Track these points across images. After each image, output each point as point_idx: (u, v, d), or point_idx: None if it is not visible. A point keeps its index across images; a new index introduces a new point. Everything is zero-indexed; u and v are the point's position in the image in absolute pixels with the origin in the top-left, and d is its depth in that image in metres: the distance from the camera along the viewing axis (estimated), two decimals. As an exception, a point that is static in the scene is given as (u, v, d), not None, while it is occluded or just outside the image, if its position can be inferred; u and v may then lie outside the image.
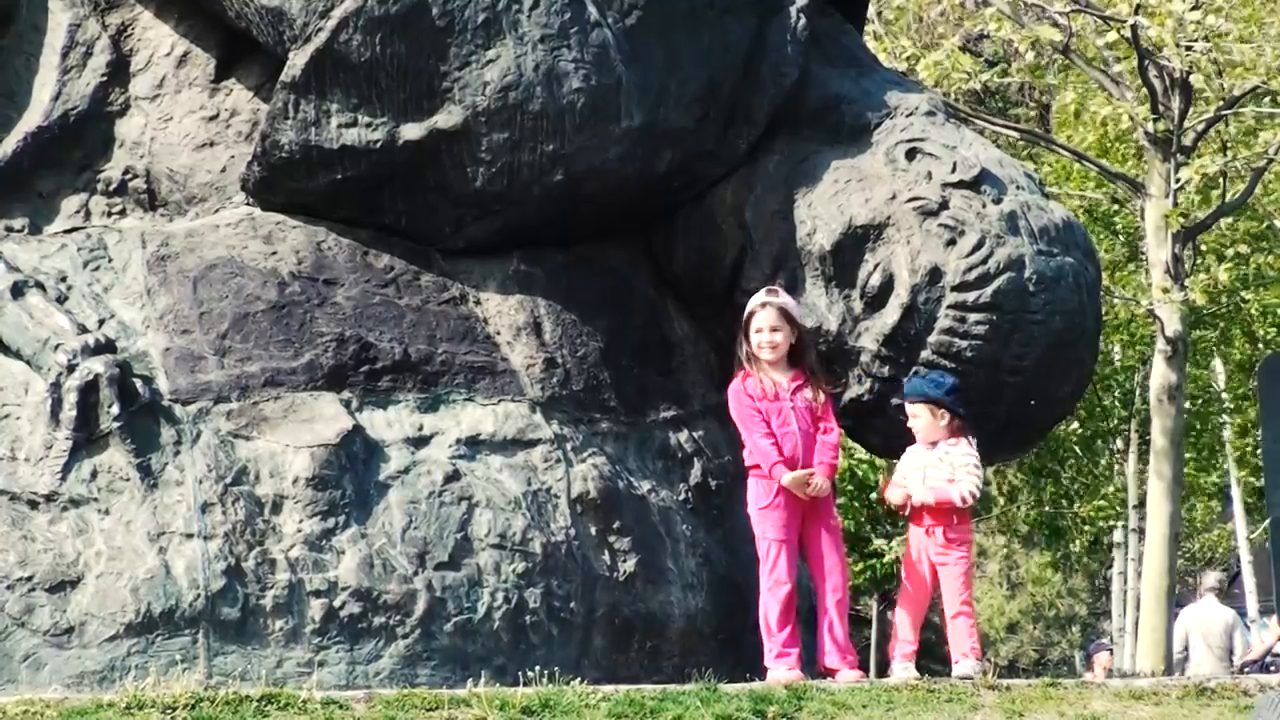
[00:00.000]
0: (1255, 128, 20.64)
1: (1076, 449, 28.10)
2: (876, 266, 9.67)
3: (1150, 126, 19.19)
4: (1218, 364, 27.36)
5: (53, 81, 10.01)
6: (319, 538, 8.81)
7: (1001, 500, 30.04)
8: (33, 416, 8.89)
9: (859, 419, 10.01)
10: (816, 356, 9.59)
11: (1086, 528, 29.66)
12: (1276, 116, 20.21)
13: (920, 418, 9.44)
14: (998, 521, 31.96)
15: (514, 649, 8.93)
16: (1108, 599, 32.42)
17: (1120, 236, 24.32)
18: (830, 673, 9.24)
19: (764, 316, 9.46)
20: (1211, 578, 18.98)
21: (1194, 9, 17.94)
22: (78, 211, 9.96)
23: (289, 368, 9.25)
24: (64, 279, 9.43)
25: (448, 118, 9.44)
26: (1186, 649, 18.67)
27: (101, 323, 9.23)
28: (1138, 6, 18.23)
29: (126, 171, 10.01)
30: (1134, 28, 18.23)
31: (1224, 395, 27.13)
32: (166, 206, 9.97)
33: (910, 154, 9.88)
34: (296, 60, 9.42)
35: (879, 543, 28.96)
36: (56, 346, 8.94)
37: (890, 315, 9.61)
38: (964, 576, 9.39)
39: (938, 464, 9.41)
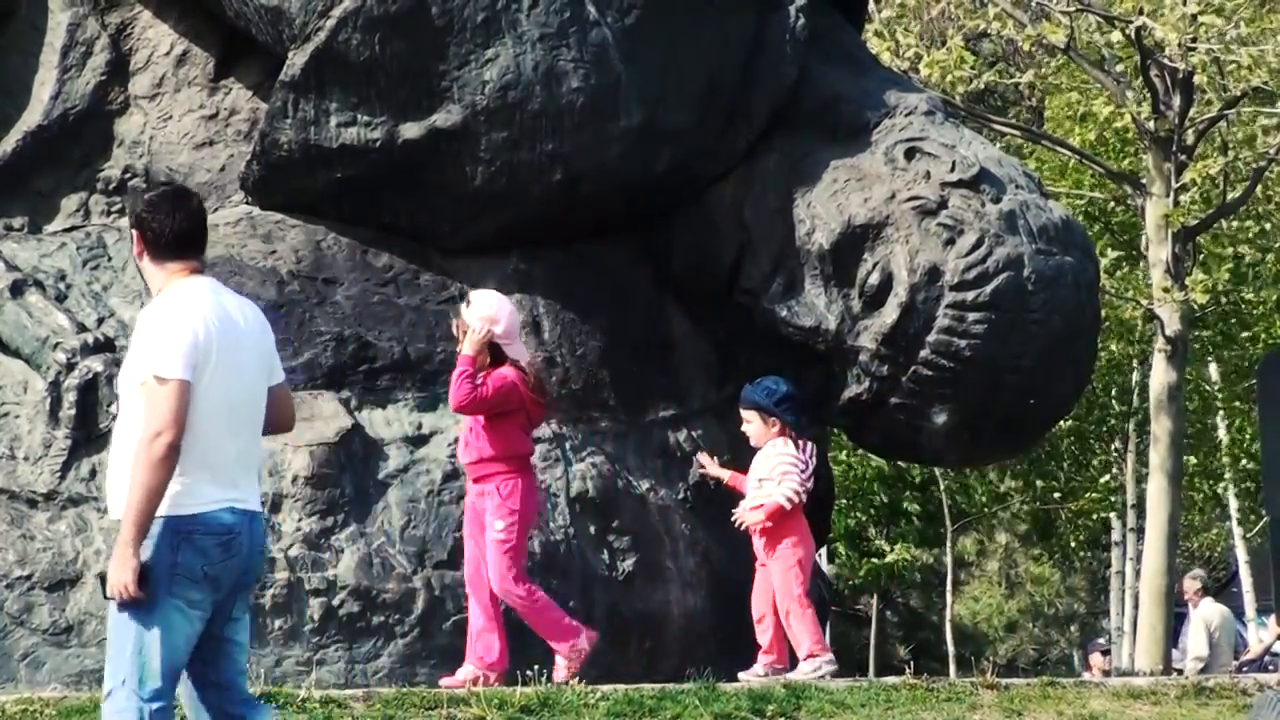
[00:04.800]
0: (1252, 128, 20.59)
1: (1073, 447, 28.07)
2: (875, 266, 9.66)
3: (1151, 125, 19.15)
4: (1212, 365, 27.30)
5: (52, 80, 10.02)
6: (318, 536, 8.81)
7: (987, 498, 29.96)
8: (32, 415, 8.90)
9: (857, 418, 10.01)
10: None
11: (1081, 521, 29.65)
12: (1276, 117, 20.14)
13: (752, 424, 9.25)
14: (994, 520, 31.92)
15: (512, 647, 8.92)
16: (1106, 598, 32.40)
17: (1120, 235, 24.28)
18: None
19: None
20: (1201, 577, 18.78)
21: (1201, 11, 17.88)
22: (77, 210, 9.96)
23: (288, 366, 9.20)
24: (63, 277, 9.43)
25: (447, 117, 9.44)
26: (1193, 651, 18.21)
27: (101, 321, 9.23)
28: (1141, 8, 18.19)
29: (126, 170, 10.01)
30: (1139, 28, 18.18)
31: (1219, 395, 27.08)
32: (166, 205, 9.96)
33: (909, 153, 9.87)
34: (296, 59, 9.42)
35: (879, 542, 28.91)
36: (56, 345, 8.94)
37: (889, 314, 9.60)
38: (786, 574, 9.02)
39: (761, 466, 9.23)
